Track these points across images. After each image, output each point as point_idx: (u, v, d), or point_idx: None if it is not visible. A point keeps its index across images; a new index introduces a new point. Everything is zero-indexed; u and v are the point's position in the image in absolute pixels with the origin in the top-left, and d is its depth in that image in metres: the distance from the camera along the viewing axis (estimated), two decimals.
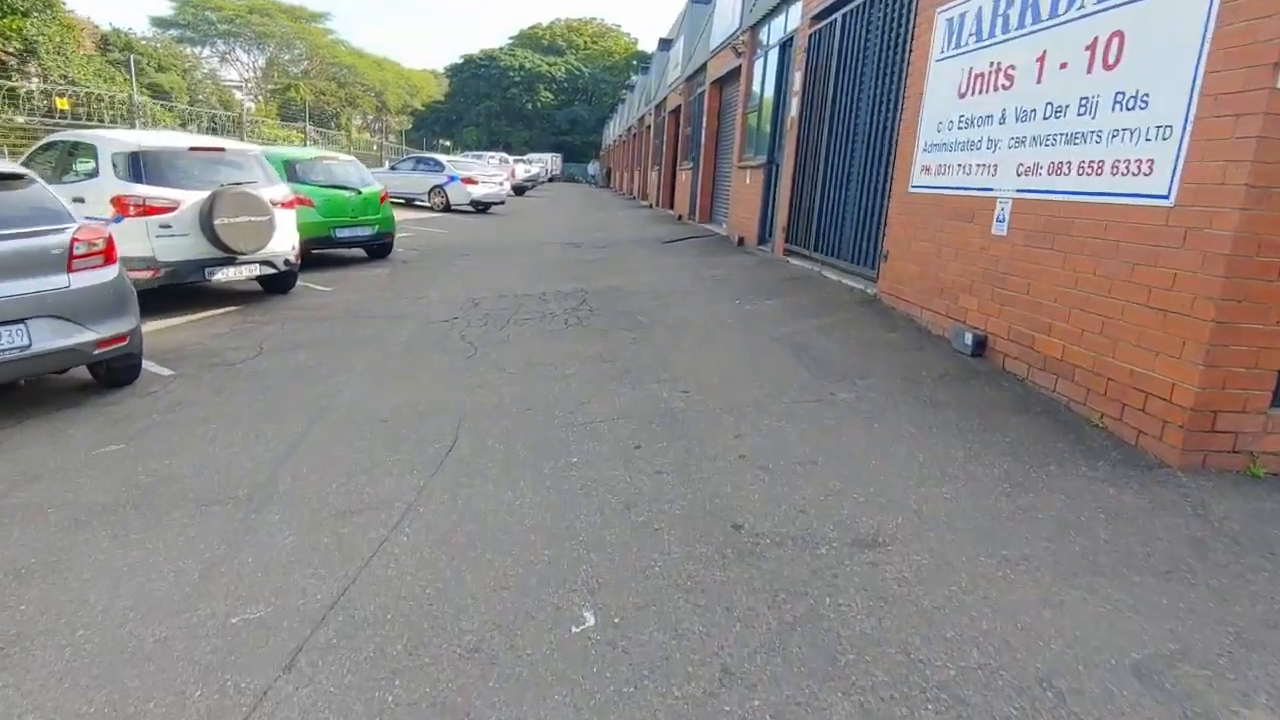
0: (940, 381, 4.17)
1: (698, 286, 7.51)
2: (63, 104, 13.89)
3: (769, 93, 10.13)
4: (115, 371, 4.53)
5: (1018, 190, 4.29)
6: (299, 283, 8.00)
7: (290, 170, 9.01)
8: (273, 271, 7.12)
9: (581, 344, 5.32)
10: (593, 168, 55.90)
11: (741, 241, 10.75)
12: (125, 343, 4.37)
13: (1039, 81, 4.13)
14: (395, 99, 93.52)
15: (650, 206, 23.31)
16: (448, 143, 59.38)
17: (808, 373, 4.41)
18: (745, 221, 10.71)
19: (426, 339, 5.61)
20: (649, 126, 26.33)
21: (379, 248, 10.02)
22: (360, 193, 9.42)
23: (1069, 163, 3.84)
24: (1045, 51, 4.09)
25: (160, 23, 68.76)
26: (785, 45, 9.43)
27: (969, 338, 4.55)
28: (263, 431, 3.72)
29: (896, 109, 6.11)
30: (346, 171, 9.67)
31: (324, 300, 7.21)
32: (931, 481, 3.02)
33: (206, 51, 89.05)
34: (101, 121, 18.29)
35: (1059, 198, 3.92)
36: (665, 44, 22.22)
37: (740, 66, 11.50)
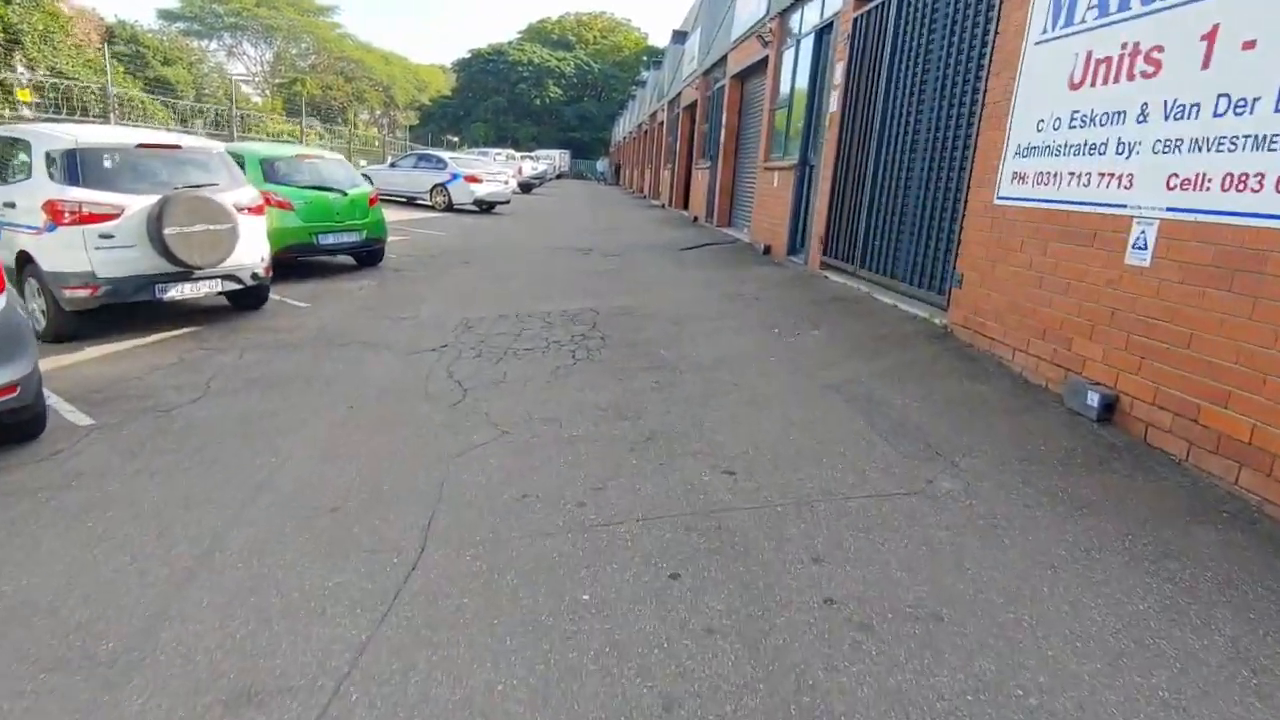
0: (1069, 463, 3.16)
1: (726, 308, 6.52)
2: (25, 95, 13.00)
3: (801, 86, 9.10)
4: (5, 429, 3.59)
5: (1168, 209, 3.27)
6: (274, 296, 7.07)
7: (268, 170, 8.07)
8: (238, 287, 6.19)
9: (594, 389, 4.34)
10: (602, 165, 54.86)
11: (768, 250, 9.74)
12: (15, 393, 3.42)
13: (1205, 67, 3.11)
14: (403, 94, 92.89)
15: (663, 207, 22.31)
16: (455, 138, 58.52)
17: (887, 444, 3.42)
18: (773, 228, 9.70)
19: (407, 377, 4.65)
20: (661, 123, 25.29)
21: (368, 255, 9.07)
22: (347, 194, 8.46)
23: (1261, 175, 2.83)
24: (1218, 26, 3.07)
25: (167, 15, 68.18)
26: (822, 33, 8.41)
27: (1093, 397, 3.54)
28: (170, 528, 2.76)
29: (973, 104, 5.09)
30: (332, 171, 8.72)
31: (297, 320, 6.26)
32: (1133, 669, 1.99)
33: (214, 45, 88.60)
34: (86, 116, 17.44)
35: (1243, 222, 2.90)
36: (680, 36, 21.17)
37: (767, 58, 10.48)
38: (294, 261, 8.19)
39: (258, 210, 6.34)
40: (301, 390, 4.37)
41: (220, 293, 6.09)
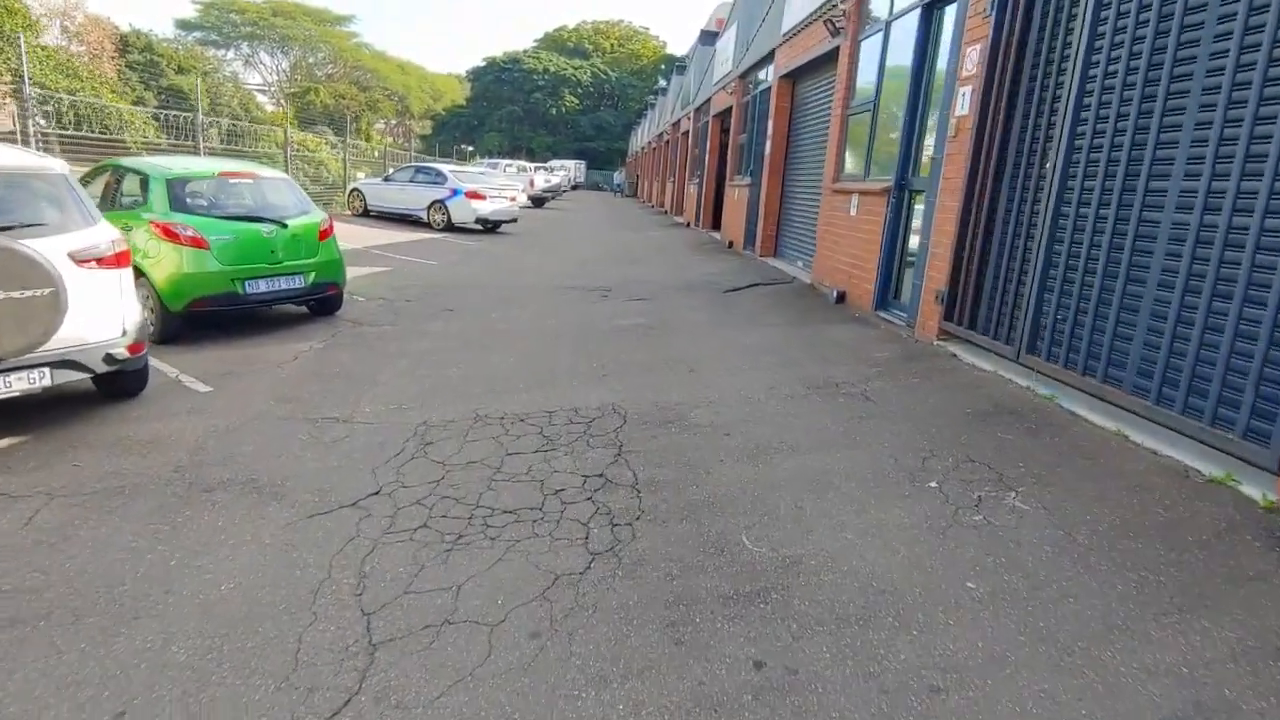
0: None
1: (825, 422, 4.17)
2: None
3: (894, 82, 6.86)
4: None
5: None
6: (167, 369, 4.97)
7: (175, 194, 5.94)
8: (82, 376, 4.05)
9: (628, 683, 2.10)
10: (618, 176, 52.88)
11: (842, 298, 7.46)
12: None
13: None
14: (418, 103, 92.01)
15: (687, 225, 20.11)
16: (470, 148, 56.95)
17: None
18: (850, 272, 7.43)
19: (277, 598, 2.42)
20: (686, 133, 23.15)
21: (319, 303, 6.91)
22: (286, 227, 6.30)
23: None
24: None
25: (184, 25, 67.67)
26: (930, 8, 6.17)
27: None
28: None
29: None
30: (269, 195, 6.58)
31: (173, 426, 4.06)
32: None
33: (230, 54, 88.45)
34: (45, 124, 15.61)
35: None
36: (709, 37, 19.02)
37: (837, 50, 8.25)
38: (215, 314, 6.07)
39: (113, 261, 4.19)
40: (71, 636, 2.15)
41: (45, 389, 3.93)
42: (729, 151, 14.90)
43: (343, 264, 6.89)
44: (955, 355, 5.19)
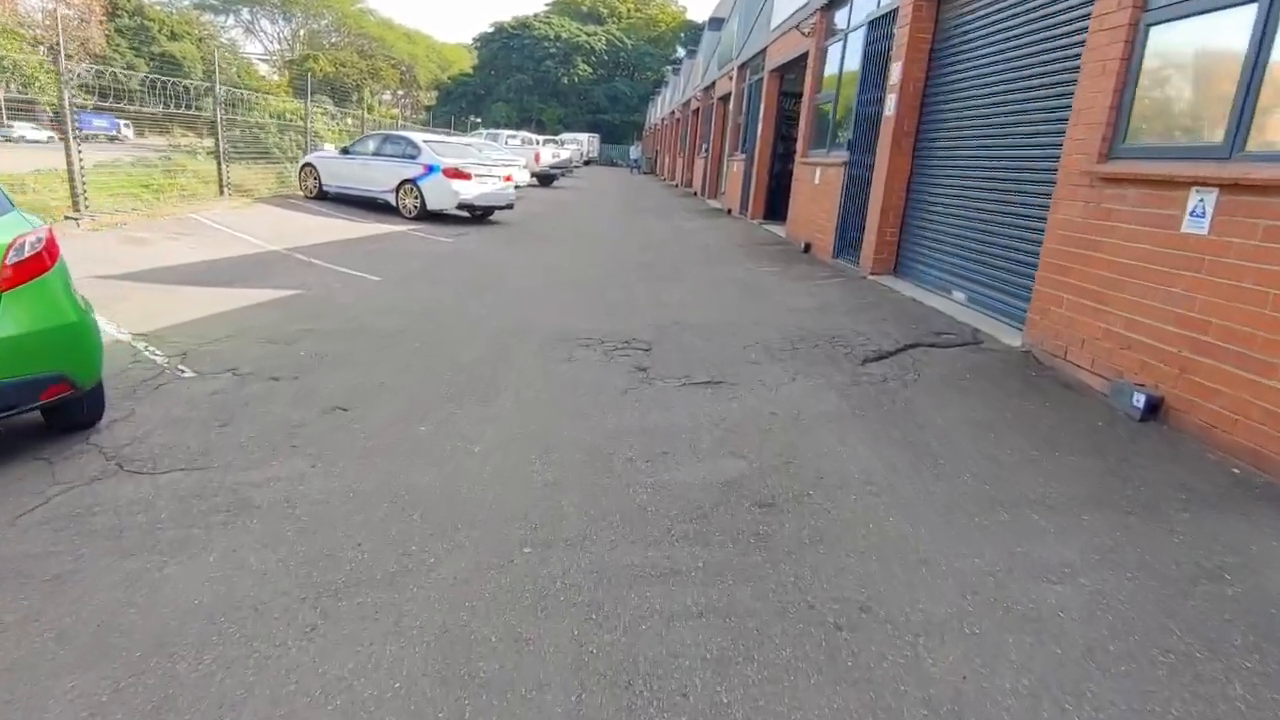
0: None
1: None
2: None
3: None
4: None
5: None
6: None
7: None
8: None
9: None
10: (635, 151, 48.42)
11: (1154, 409, 3.61)
12: None
13: None
14: (426, 74, 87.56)
15: (729, 213, 16.14)
16: (477, 119, 52.72)
17: None
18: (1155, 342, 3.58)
19: None
20: (726, 97, 19.04)
21: (50, 415, 3.15)
22: None
23: None
24: None
25: None
26: None
27: None
28: None
29: None
30: None
31: None
32: None
33: (230, 20, 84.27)
34: None
35: None
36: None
37: None
38: None
39: None
40: None
41: None
42: (804, 117, 10.86)
43: (83, 331, 3.08)
44: None
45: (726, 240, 11.40)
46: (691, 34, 34.33)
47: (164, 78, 11.89)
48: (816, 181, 9.61)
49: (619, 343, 5.00)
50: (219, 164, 12.34)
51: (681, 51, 34.28)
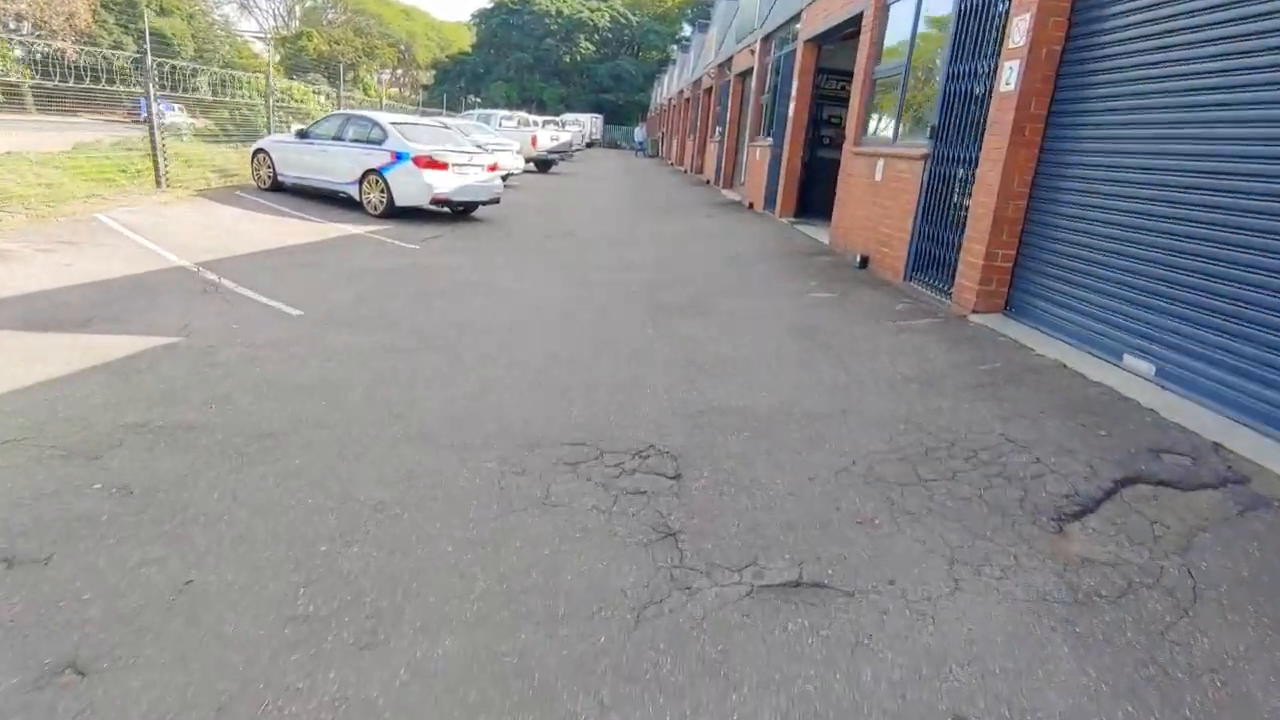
0: None
1: None
2: None
3: None
4: None
5: None
6: None
7: None
8: None
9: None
10: (639, 133, 45.98)
11: None
12: None
13: None
14: (424, 52, 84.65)
15: (749, 207, 14.07)
16: (477, 98, 50.24)
17: None
18: None
19: None
20: (746, 73, 16.89)
21: None
22: None
23: None
24: None
25: None
26: None
27: None
28: None
29: None
30: None
31: None
32: None
33: None
34: None
35: None
36: None
37: None
38: None
39: None
40: None
41: None
42: (857, 95, 8.75)
43: None
44: None
45: (758, 248, 9.37)
46: (701, 8, 31.87)
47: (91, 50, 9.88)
48: (878, 178, 7.56)
49: (628, 456, 3.05)
50: (154, 152, 10.33)
51: (689, 29, 31.92)
